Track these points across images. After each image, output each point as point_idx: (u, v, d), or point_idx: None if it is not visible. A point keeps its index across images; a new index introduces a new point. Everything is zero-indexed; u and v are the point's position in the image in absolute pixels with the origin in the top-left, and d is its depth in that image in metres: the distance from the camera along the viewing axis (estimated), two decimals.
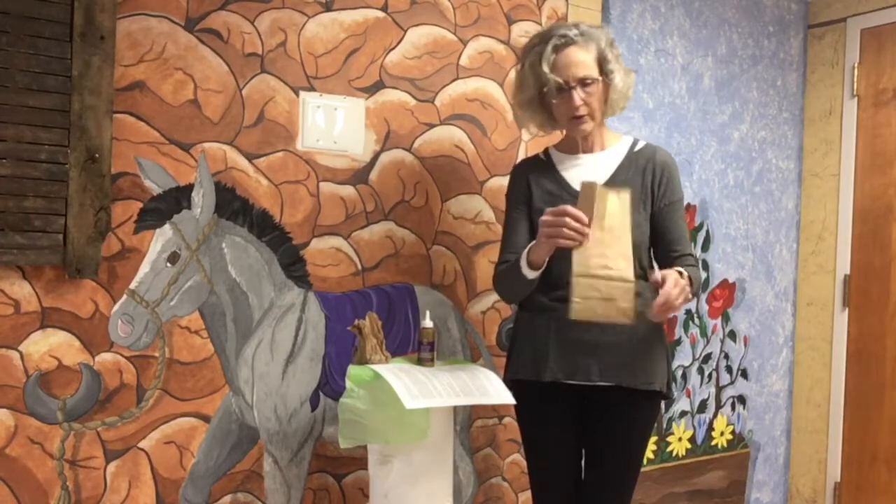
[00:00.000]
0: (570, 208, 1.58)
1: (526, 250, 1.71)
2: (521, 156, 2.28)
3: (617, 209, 1.61)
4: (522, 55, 1.86)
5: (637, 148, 1.85)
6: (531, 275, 1.72)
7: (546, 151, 1.92)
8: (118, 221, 1.74)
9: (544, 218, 1.62)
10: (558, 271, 1.74)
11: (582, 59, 1.75)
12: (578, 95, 1.74)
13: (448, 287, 2.20)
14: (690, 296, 1.64)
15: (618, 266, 1.60)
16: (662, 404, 2.64)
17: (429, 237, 2.16)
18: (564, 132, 1.91)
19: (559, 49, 1.76)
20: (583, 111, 1.75)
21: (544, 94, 1.80)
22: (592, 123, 1.79)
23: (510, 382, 1.82)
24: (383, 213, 2.09)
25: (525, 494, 2.34)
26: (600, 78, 1.77)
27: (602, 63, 1.77)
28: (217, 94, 1.85)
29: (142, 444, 1.78)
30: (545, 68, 1.75)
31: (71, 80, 1.64)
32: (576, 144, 1.86)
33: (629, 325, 1.77)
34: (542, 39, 1.79)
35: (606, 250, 1.60)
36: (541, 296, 1.80)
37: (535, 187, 1.83)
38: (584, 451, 1.88)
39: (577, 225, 1.57)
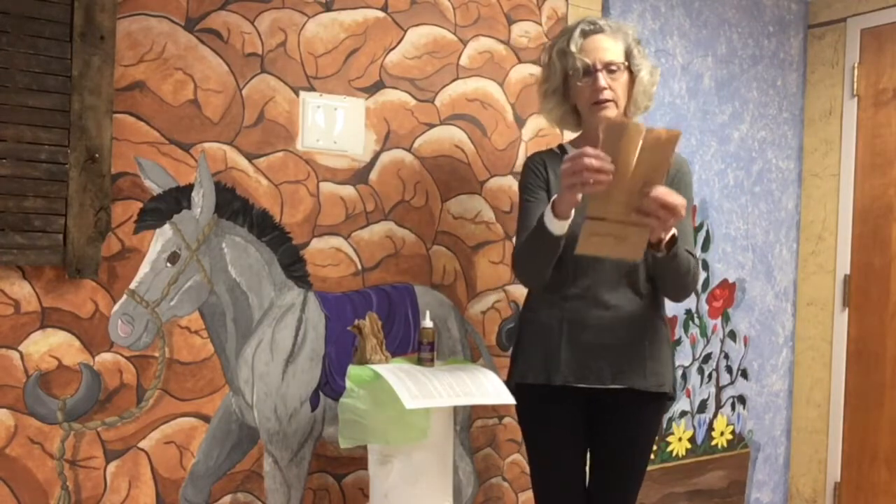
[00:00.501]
0: (589, 149, 1.46)
1: (549, 204, 1.62)
2: (522, 156, 2.28)
3: (656, 148, 1.44)
4: (550, 45, 1.86)
5: (678, 141, 1.84)
6: (558, 229, 1.61)
7: (561, 146, 1.92)
8: (118, 221, 1.74)
9: (564, 166, 1.51)
10: (571, 265, 1.73)
11: (609, 46, 1.77)
12: (604, 78, 1.75)
13: (448, 287, 2.20)
14: (681, 214, 1.53)
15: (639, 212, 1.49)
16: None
17: (429, 237, 2.16)
18: (581, 132, 1.91)
19: (588, 34, 1.78)
20: (607, 95, 1.75)
21: (569, 83, 1.81)
22: (615, 112, 1.78)
23: (515, 386, 1.80)
24: (383, 213, 2.09)
25: (525, 494, 2.33)
26: (626, 64, 1.78)
27: (629, 56, 1.79)
28: (217, 94, 1.85)
29: (142, 444, 1.78)
30: (573, 48, 1.76)
31: (71, 80, 1.64)
32: (593, 140, 1.82)
33: (638, 325, 1.76)
34: (571, 27, 1.81)
35: (630, 197, 1.47)
36: (551, 294, 1.78)
37: (552, 174, 1.82)
38: (590, 453, 1.87)
39: (598, 164, 1.44)
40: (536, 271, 1.75)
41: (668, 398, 1.84)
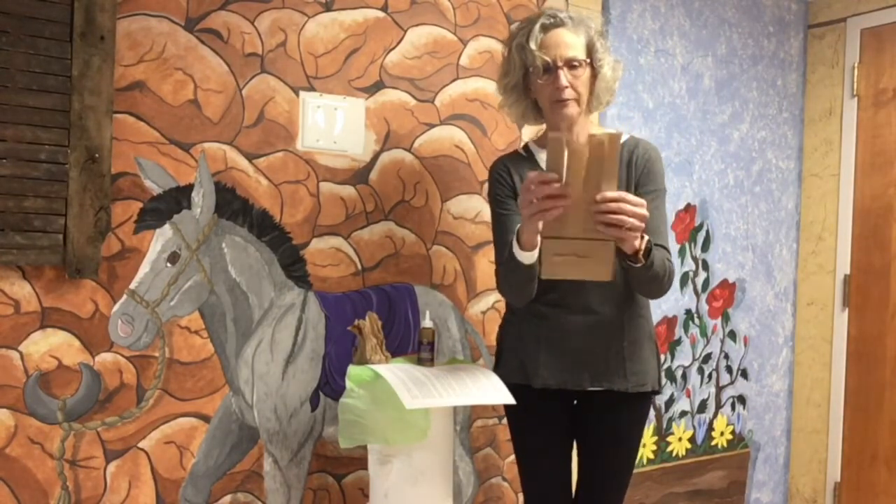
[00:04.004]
0: (535, 175, 1.43)
1: (514, 234, 1.60)
2: None
3: (601, 154, 1.40)
4: (509, 38, 1.80)
5: (622, 140, 1.81)
6: (526, 259, 1.58)
7: (526, 146, 1.88)
8: (118, 221, 1.74)
9: (520, 198, 1.49)
10: None
11: (571, 41, 1.71)
12: (565, 76, 1.69)
13: (448, 287, 2.20)
14: (640, 222, 1.45)
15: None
16: (662, 404, 2.65)
17: (429, 237, 2.16)
18: (545, 128, 1.86)
19: (548, 28, 1.72)
20: (568, 94, 1.69)
21: (529, 78, 1.76)
22: (577, 109, 1.72)
23: None
24: (383, 213, 2.09)
25: None
26: (588, 60, 1.72)
27: (591, 51, 1.73)
28: (217, 94, 1.85)
29: (142, 444, 1.78)
30: (532, 45, 1.70)
31: (71, 80, 1.64)
32: None
33: (617, 327, 1.74)
34: (530, 21, 1.75)
35: (586, 210, 1.42)
36: (530, 301, 1.74)
37: (518, 179, 1.77)
38: (577, 452, 1.87)
39: (549, 190, 1.40)
40: (519, 295, 1.72)
41: (652, 393, 1.82)
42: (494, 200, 1.80)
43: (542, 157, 1.80)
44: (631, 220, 1.42)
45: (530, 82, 1.77)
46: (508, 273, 1.67)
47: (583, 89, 1.72)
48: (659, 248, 1.65)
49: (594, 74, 1.75)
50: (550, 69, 1.70)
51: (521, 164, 1.81)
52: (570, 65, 1.70)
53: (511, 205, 1.76)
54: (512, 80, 1.79)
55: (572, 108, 1.71)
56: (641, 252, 1.54)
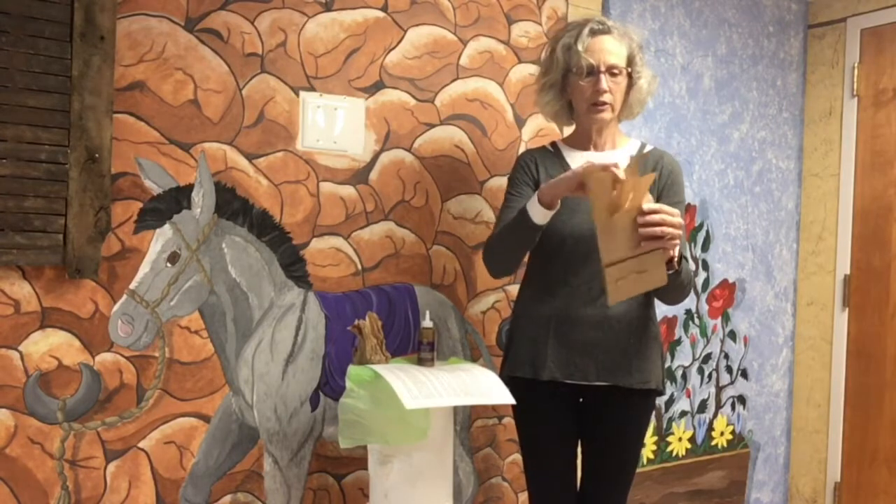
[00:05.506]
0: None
1: (536, 192, 1.67)
2: None
3: (635, 174, 1.53)
4: (554, 39, 1.87)
5: (646, 150, 1.88)
6: (540, 217, 1.66)
7: (554, 144, 1.94)
8: (118, 221, 1.74)
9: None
10: (562, 262, 1.76)
11: (615, 49, 1.78)
12: (606, 81, 1.76)
13: (448, 287, 2.20)
14: (678, 232, 1.55)
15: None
16: (662, 404, 2.65)
17: (429, 237, 2.16)
18: (574, 128, 1.93)
19: (596, 34, 1.79)
20: (606, 98, 1.77)
21: (568, 79, 1.82)
22: (611, 115, 1.80)
23: (507, 379, 1.82)
24: (383, 213, 2.09)
25: (525, 494, 2.33)
26: (628, 70, 1.79)
27: (631, 62, 1.81)
28: (217, 94, 1.85)
29: (142, 444, 1.78)
30: (579, 47, 1.77)
31: (71, 80, 1.64)
32: (586, 139, 1.87)
33: (625, 323, 1.77)
34: (579, 24, 1.82)
35: (632, 231, 1.54)
36: (542, 291, 1.80)
37: (543, 172, 1.84)
38: (581, 449, 1.89)
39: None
40: (507, 259, 1.80)
41: (656, 393, 1.85)
42: (512, 182, 1.87)
43: (569, 155, 1.88)
44: (671, 229, 1.52)
45: (568, 83, 1.84)
46: (511, 231, 1.74)
47: (619, 96, 1.80)
48: (681, 259, 1.72)
49: (630, 85, 1.82)
50: (593, 72, 1.77)
51: (548, 159, 1.88)
52: (611, 71, 1.78)
53: (525, 192, 1.83)
54: (551, 78, 1.86)
55: (607, 114, 1.80)
56: (675, 259, 1.63)
